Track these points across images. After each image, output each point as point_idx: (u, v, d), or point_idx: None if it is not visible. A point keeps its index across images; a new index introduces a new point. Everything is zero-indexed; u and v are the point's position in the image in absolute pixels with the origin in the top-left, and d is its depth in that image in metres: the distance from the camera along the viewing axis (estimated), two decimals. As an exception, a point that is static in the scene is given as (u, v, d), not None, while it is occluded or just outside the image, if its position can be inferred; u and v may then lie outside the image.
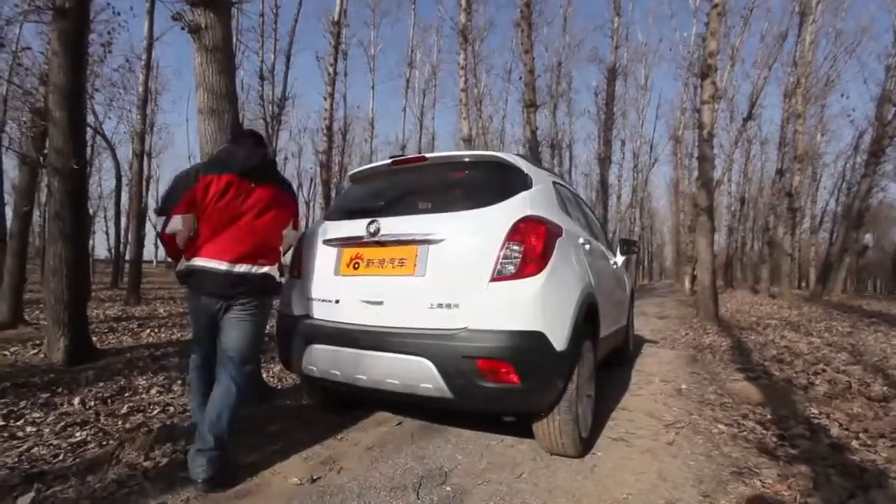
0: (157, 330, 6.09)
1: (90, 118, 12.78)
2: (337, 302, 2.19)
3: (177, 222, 2.00)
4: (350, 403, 2.81)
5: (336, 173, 20.76)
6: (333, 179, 16.89)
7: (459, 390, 1.85)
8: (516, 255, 1.89)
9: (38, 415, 2.73)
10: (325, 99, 10.97)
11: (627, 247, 3.79)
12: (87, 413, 2.79)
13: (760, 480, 1.85)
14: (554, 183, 2.66)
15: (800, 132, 13.92)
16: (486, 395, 1.85)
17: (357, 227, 2.19)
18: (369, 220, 2.15)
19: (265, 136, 13.54)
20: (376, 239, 2.12)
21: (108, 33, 6.72)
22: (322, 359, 2.15)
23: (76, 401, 3.01)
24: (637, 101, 24.18)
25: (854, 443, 2.25)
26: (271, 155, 2.22)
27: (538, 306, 1.86)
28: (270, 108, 13.13)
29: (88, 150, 15.52)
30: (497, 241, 1.92)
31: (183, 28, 2.77)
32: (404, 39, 21.18)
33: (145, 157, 14.46)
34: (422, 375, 1.87)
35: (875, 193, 17.63)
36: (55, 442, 2.32)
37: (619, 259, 3.76)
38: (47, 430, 2.49)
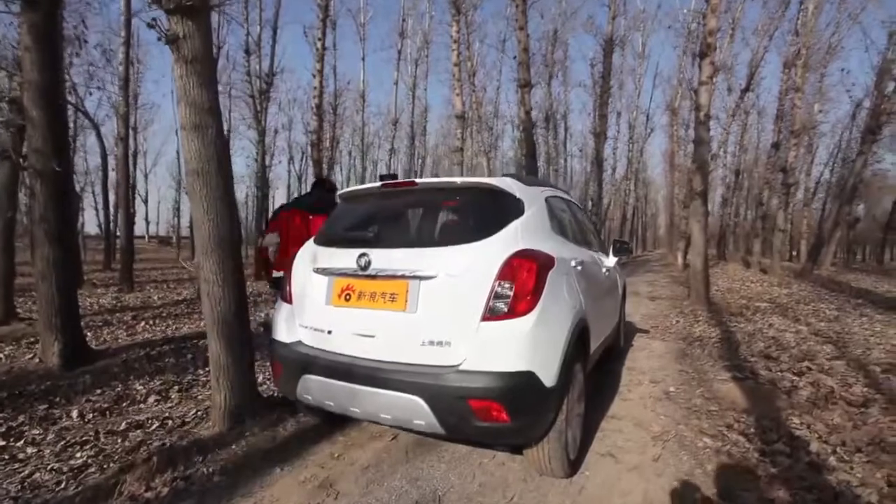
0: (151, 322, 6.11)
1: (70, 97, 12.36)
2: (329, 332, 2.20)
3: (271, 237, 3.65)
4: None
5: (328, 148, 20.38)
6: (325, 156, 16.60)
7: (451, 428, 1.90)
8: (508, 292, 1.91)
9: (37, 432, 2.77)
10: (314, 76, 10.61)
11: (620, 247, 3.83)
12: (87, 428, 2.83)
13: (740, 506, 1.93)
14: (547, 199, 2.65)
15: (798, 106, 13.73)
16: (477, 431, 1.91)
17: (348, 258, 2.18)
18: (360, 252, 2.15)
19: (255, 112, 13.20)
20: (368, 273, 2.12)
21: (82, 21, 6.37)
22: (316, 389, 2.18)
23: (74, 413, 3.06)
24: (634, 70, 23.68)
25: (832, 459, 2.33)
26: (328, 197, 3.49)
27: (529, 347, 1.88)
28: (258, 82, 12.73)
29: (71, 127, 15.10)
30: (489, 279, 1.93)
31: (159, 39, 2.63)
32: (395, 9, 20.36)
33: (131, 133, 14.11)
34: (414, 413, 1.90)
35: (870, 164, 17.58)
36: (56, 465, 2.36)
37: (612, 260, 3.80)
38: (48, 451, 2.53)
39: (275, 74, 12.34)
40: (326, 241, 2.47)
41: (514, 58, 8.78)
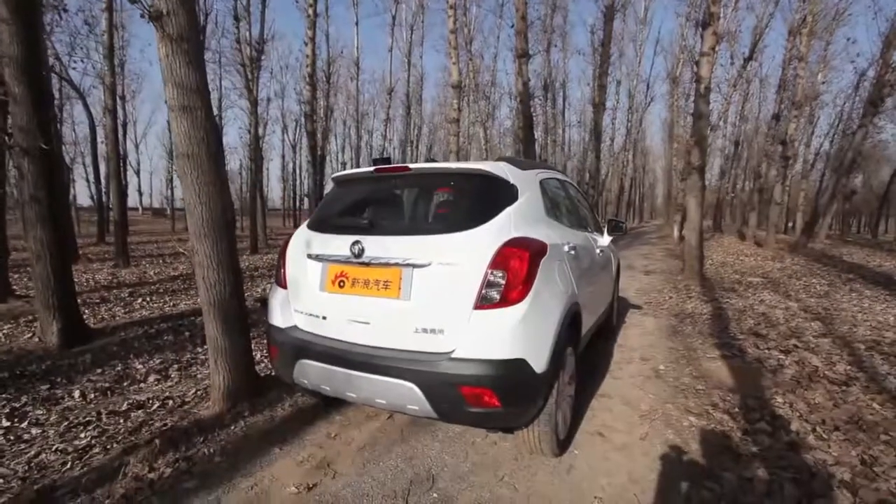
0: (148, 299, 6.14)
1: (54, 64, 11.95)
2: (324, 318, 2.22)
3: None
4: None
5: (322, 118, 19.96)
6: (320, 126, 16.26)
7: (444, 412, 1.97)
8: (500, 281, 1.93)
9: (41, 412, 2.83)
10: (306, 44, 10.26)
11: (615, 226, 3.88)
12: (89, 409, 2.89)
13: (720, 485, 2.02)
14: (541, 182, 2.65)
15: (801, 77, 13.46)
16: (469, 416, 1.99)
17: (341, 245, 2.19)
18: (354, 239, 2.15)
19: (246, 81, 12.83)
20: (361, 260, 2.13)
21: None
22: (313, 374, 2.21)
23: (76, 393, 3.11)
24: (635, 37, 23.02)
25: (811, 437, 2.42)
26: None
27: (521, 335, 1.92)
28: (248, 50, 12.31)
29: (56, 97, 14.67)
30: (481, 268, 1.94)
31: (142, 15, 2.52)
32: (389, -33, 19.45)
33: (118, 102, 13.74)
34: (409, 398, 1.95)
35: (871, 136, 17.40)
36: (61, 446, 2.43)
37: (606, 240, 3.84)
38: (52, 431, 2.59)
39: (266, 42, 11.92)
40: (320, 226, 2.46)
41: (512, 26, 8.50)
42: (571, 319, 2.30)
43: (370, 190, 2.62)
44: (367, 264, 2.13)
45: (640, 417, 2.74)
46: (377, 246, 2.12)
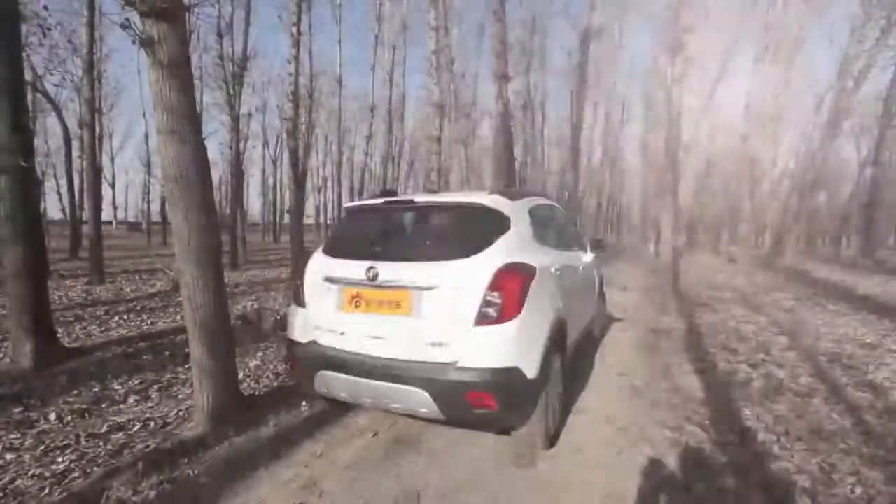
0: (125, 317, 6.02)
1: (27, 74, 11.74)
2: (342, 334, 2.48)
3: None
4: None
5: (304, 134, 19.96)
6: (302, 143, 16.28)
7: (451, 415, 2.27)
8: (497, 301, 2.22)
9: (15, 436, 2.77)
10: (290, 62, 10.36)
11: (596, 244, 4.46)
12: (66, 431, 2.84)
13: (692, 495, 2.13)
14: (531, 211, 2.96)
15: (765, 100, 14.18)
16: (473, 418, 2.29)
17: (357, 270, 2.46)
18: (368, 265, 2.42)
19: (228, 97, 12.80)
20: (375, 284, 2.39)
21: (45, 7, 6.06)
22: (332, 384, 2.47)
23: (52, 416, 3.05)
24: (611, 59, 23.84)
25: (776, 447, 2.57)
26: None
27: (514, 346, 2.22)
28: (231, 66, 12.33)
29: (29, 108, 14.30)
30: (480, 290, 2.23)
31: (133, 42, 2.58)
32: (372, -11, 19.81)
33: (95, 115, 13.51)
34: (420, 403, 2.22)
35: (832, 156, 18.31)
36: (38, 471, 2.38)
37: (589, 256, 4.28)
38: (28, 455, 2.54)
39: (249, 58, 11.97)
40: (335, 252, 2.75)
41: (493, 50, 8.78)
42: (558, 331, 2.63)
43: (380, 219, 2.89)
44: (381, 287, 2.39)
45: (617, 431, 2.85)
46: (390, 271, 2.38)
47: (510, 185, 8.41)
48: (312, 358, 2.53)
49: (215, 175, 29.10)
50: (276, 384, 3.68)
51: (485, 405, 2.14)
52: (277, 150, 30.65)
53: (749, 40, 17.28)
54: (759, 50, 15.58)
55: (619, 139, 29.68)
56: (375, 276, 2.39)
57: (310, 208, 36.44)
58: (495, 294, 2.22)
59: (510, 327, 2.20)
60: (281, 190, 34.64)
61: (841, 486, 2.18)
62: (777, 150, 26.09)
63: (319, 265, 2.72)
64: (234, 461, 2.50)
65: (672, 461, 2.47)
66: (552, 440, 2.64)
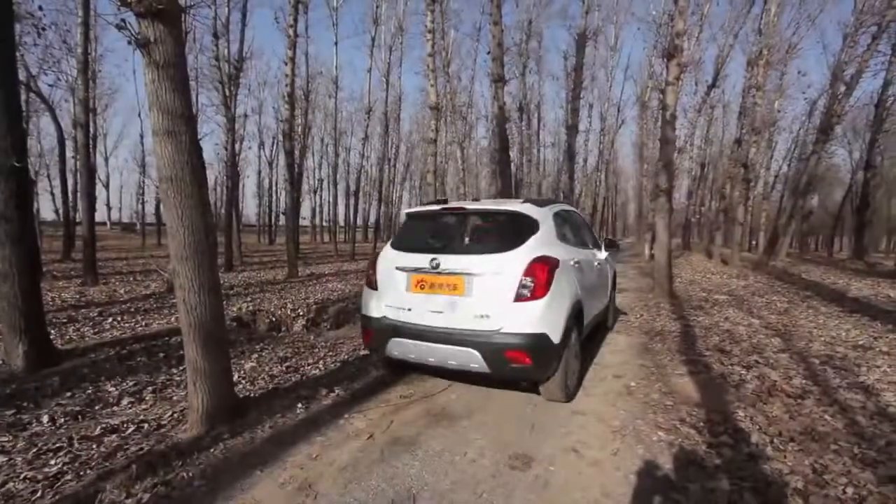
0: (119, 318, 5.98)
1: (21, 73, 11.67)
2: (409, 309, 3.18)
3: None
4: (409, 367, 3.79)
5: (300, 135, 19.93)
6: (297, 144, 16.22)
7: (495, 368, 2.94)
8: (530, 284, 2.93)
9: (6, 439, 2.74)
10: (286, 63, 10.35)
11: (609, 243, 5.20)
12: (59, 434, 2.82)
13: (686, 497, 2.14)
14: (554, 215, 3.63)
15: (758, 104, 14.31)
16: (511, 372, 2.97)
17: (422, 260, 3.20)
18: (432, 256, 3.16)
19: (224, 98, 12.77)
20: (437, 271, 3.11)
21: (39, 7, 6.03)
22: (402, 348, 3.22)
23: (45, 418, 3.03)
24: (606, 62, 23.98)
25: (769, 449, 2.58)
26: None
27: (543, 318, 2.91)
28: (227, 67, 12.30)
29: (23, 108, 14.21)
30: (517, 276, 2.95)
31: (129, 42, 2.58)
32: (369, -10, 19.80)
33: (90, 115, 13.42)
34: (471, 360, 2.95)
35: (823, 161, 18.52)
36: (30, 474, 2.36)
37: (604, 254, 4.94)
38: (20, 458, 2.52)
39: (245, 59, 11.94)
40: (401, 247, 3.47)
41: (489, 52, 8.81)
42: (577, 309, 3.33)
43: (438, 221, 3.68)
44: (442, 273, 3.11)
45: (612, 433, 2.86)
46: (448, 261, 3.11)
47: (506, 186, 8.53)
48: (385, 329, 3.25)
49: (211, 176, 29.00)
50: (271, 386, 3.67)
51: (520, 361, 2.86)
52: (273, 151, 30.65)
53: (742, 44, 17.49)
54: (752, 54, 15.68)
55: (615, 141, 29.82)
56: (437, 266, 3.11)
57: (305, 210, 36.29)
58: (528, 279, 2.93)
59: (540, 304, 2.91)
60: (276, 191, 34.56)
61: (833, 486, 2.20)
62: (770, 154, 26.44)
63: (389, 257, 3.43)
64: (228, 463, 2.49)
65: (666, 462, 2.49)
66: (570, 395, 3.32)
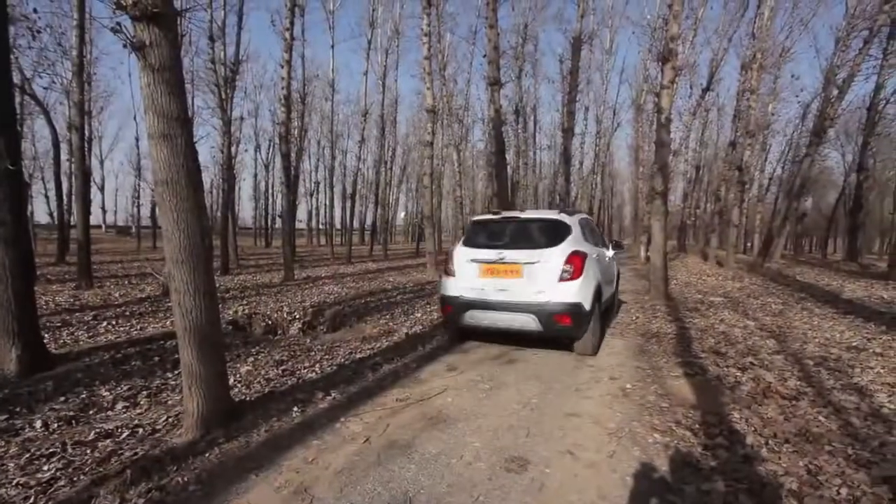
0: (114, 322, 5.95)
1: (16, 76, 11.61)
2: (482, 289, 4.46)
3: None
4: (474, 335, 5.09)
5: (296, 138, 19.92)
6: (294, 147, 16.22)
7: (546, 328, 4.18)
8: (569, 269, 4.25)
9: (-1, 444, 2.72)
10: (282, 66, 10.35)
11: (616, 244, 6.38)
12: (52, 439, 2.80)
13: (682, 498, 2.15)
14: (580, 220, 5.05)
15: (752, 108, 14.42)
16: (556, 330, 4.21)
17: (490, 255, 4.52)
18: (497, 252, 4.48)
19: (220, 101, 12.75)
20: (503, 262, 4.42)
21: (34, 10, 6.01)
22: (476, 317, 4.49)
23: (38, 423, 3.01)
24: (602, 65, 24.13)
25: (764, 450, 2.59)
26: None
27: (578, 292, 4.21)
28: (223, 70, 12.27)
29: (17, 111, 14.13)
30: (559, 265, 4.27)
31: (125, 45, 2.57)
32: (366, -7, 19.86)
33: (85, 118, 13.36)
34: (530, 323, 4.22)
35: (816, 163, 18.68)
36: (22, 480, 2.34)
37: (611, 253, 6.15)
38: (12, 464, 2.50)
39: (241, 62, 11.94)
40: (471, 244, 4.79)
41: (485, 56, 8.83)
42: (598, 289, 4.61)
43: (496, 226, 4.92)
44: (505, 263, 4.40)
45: (608, 435, 2.86)
46: (510, 255, 4.41)
47: (503, 189, 8.77)
48: (462, 304, 4.53)
49: (206, 179, 28.96)
50: (267, 390, 3.66)
51: (563, 322, 4.15)
52: (269, 154, 30.62)
53: (736, 48, 17.63)
54: (745, 58, 15.82)
55: (610, 144, 29.97)
56: (503, 258, 4.42)
57: (302, 213, 36.23)
58: (568, 266, 4.25)
59: (576, 283, 4.23)
60: (273, 194, 34.50)
61: (827, 487, 2.21)
62: (765, 156, 26.63)
63: (462, 252, 4.73)
64: (224, 467, 2.48)
65: (662, 463, 2.49)
66: (595, 351, 4.60)
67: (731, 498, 2.13)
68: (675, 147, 18.31)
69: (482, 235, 4.84)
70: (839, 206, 25.94)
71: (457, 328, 4.90)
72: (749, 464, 2.45)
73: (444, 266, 4.87)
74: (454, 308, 4.57)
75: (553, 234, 4.53)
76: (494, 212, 5.03)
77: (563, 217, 4.71)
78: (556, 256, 4.27)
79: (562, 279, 4.18)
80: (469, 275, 4.54)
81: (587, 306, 4.21)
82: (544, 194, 29.59)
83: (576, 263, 4.23)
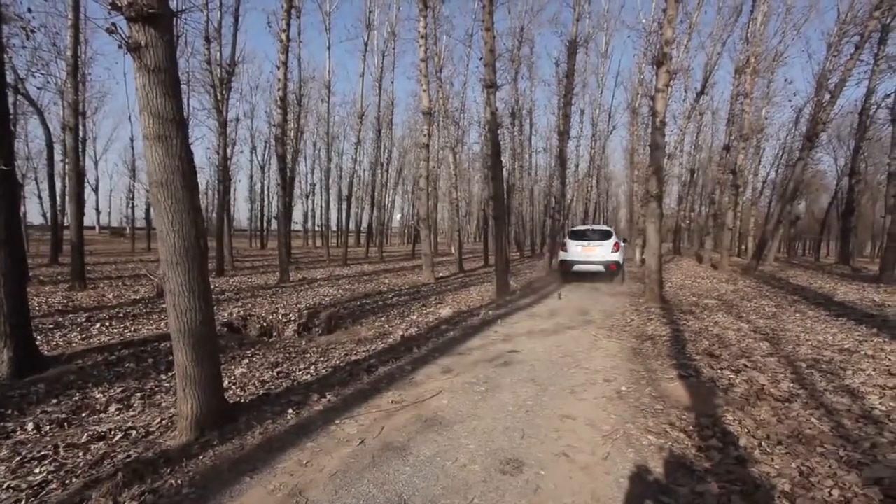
0: (107, 324, 5.90)
1: (9, 76, 11.52)
2: (579, 255, 11.10)
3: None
4: (575, 276, 11.51)
5: (293, 140, 19.87)
6: (290, 149, 16.16)
7: (606, 270, 10.96)
8: (615, 249, 10.89)
9: (-10, 447, 2.69)
10: (279, 68, 10.33)
11: (624, 240, 11.95)
12: (44, 442, 2.78)
13: (676, 500, 2.16)
14: (615, 229, 13.21)
15: (746, 112, 14.54)
16: (609, 272, 11.02)
17: (583, 242, 11.17)
18: (586, 241, 11.15)
19: (215, 102, 12.70)
20: (588, 244, 11.10)
21: (28, 10, 5.97)
22: (578, 269, 11.08)
23: (30, 426, 2.99)
24: (597, 68, 24.22)
25: (757, 452, 2.61)
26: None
27: (619, 257, 11.00)
28: (219, 71, 12.24)
29: (10, 111, 14.00)
30: (611, 246, 10.93)
31: (120, 46, 2.57)
32: (362, -5, 19.82)
33: (79, 118, 13.27)
34: (600, 269, 10.97)
35: (809, 167, 18.84)
36: (13, 483, 2.33)
37: (623, 244, 11.64)
38: (3, 467, 2.48)
39: (237, 63, 11.90)
40: (574, 238, 11.33)
41: (481, 58, 8.86)
42: (623, 258, 11.53)
43: (584, 230, 11.54)
44: (591, 246, 11.03)
45: (602, 437, 2.87)
46: (591, 243, 11.11)
47: (499, 191, 9.78)
48: (571, 262, 11.01)
49: (202, 180, 28.82)
50: (262, 392, 3.64)
51: (612, 269, 10.81)
52: (265, 155, 30.50)
53: (730, 52, 17.77)
54: (739, 62, 15.95)
55: (606, 147, 30.07)
56: (588, 244, 10.99)
57: (297, 214, 36.07)
58: (615, 248, 10.80)
59: (618, 253, 10.84)
60: (268, 196, 34.37)
61: (819, 489, 2.23)
62: (759, 160, 26.82)
63: (570, 241, 11.21)
64: (218, 470, 2.47)
65: (656, 465, 2.50)
66: (622, 281, 11.41)
67: (724, 499, 2.14)
68: (669, 150, 18.46)
69: (577, 234, 11.33)
70: (832, 209, 26.14)
71: (569, 273, 11.06)
72: (742, 465, 2.46)
73: (561, 247, 11.52)
74: (567, 266, 10.99)
75: (607, 234, 11.02)
76: (585, 223, 9.27)
77: (609, 227, 11.36)
78: (609, 243, 10.70)
79: (612, 252, 10.57)
80: (574, 250, 10.95)
81: (621, 262, 10.81)
82: (540, 197, 29.64)
83: (616, 246, 10.70)
